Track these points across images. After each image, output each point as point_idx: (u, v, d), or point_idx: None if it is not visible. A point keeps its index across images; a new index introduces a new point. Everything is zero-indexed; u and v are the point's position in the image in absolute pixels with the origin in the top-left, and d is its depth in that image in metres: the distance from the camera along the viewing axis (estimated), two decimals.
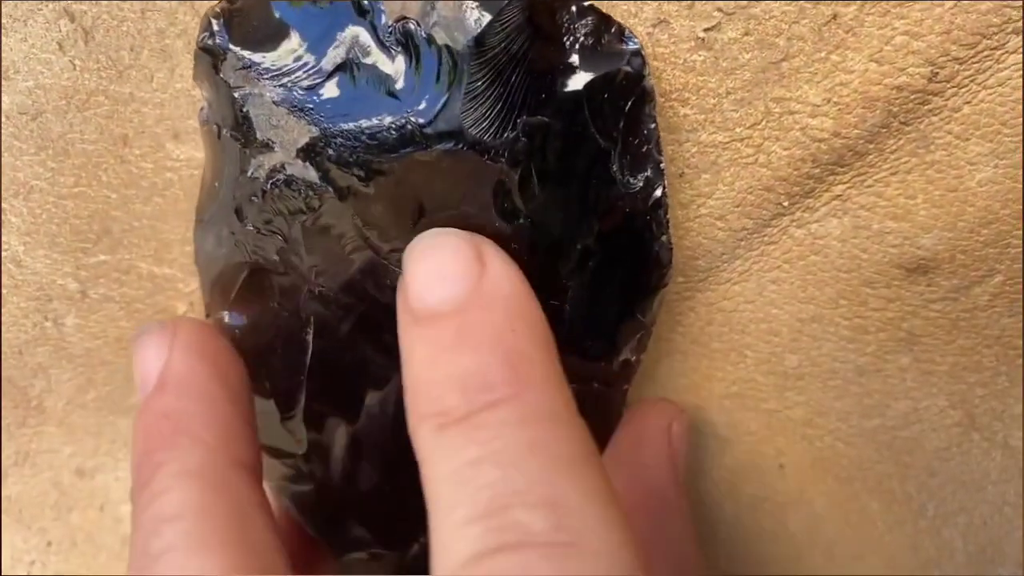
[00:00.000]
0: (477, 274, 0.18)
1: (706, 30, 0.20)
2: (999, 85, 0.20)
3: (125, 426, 0.28)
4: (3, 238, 0.24)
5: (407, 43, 0.19)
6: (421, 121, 0.19)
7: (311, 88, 0.19)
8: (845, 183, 0.23)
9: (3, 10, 0.21)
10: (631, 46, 0.19)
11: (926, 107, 0.21)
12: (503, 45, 0.19)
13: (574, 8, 0.19)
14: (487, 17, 0.18)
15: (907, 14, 0.20)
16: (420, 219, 0.20)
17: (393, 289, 0.20)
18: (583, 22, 0.19)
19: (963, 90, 0.21)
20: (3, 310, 0.25)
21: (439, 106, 0.18)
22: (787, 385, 0.25)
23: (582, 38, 0.19)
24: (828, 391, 0.25)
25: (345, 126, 0.19)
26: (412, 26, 0.19)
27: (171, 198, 0.23)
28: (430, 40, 0.19)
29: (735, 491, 0.26)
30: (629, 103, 0.20)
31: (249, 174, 0.20)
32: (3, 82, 0.22)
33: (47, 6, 0.21)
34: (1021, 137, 0.21)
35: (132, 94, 0.22)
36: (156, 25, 0.21)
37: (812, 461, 0.26)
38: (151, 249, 0.24)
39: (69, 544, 0.30)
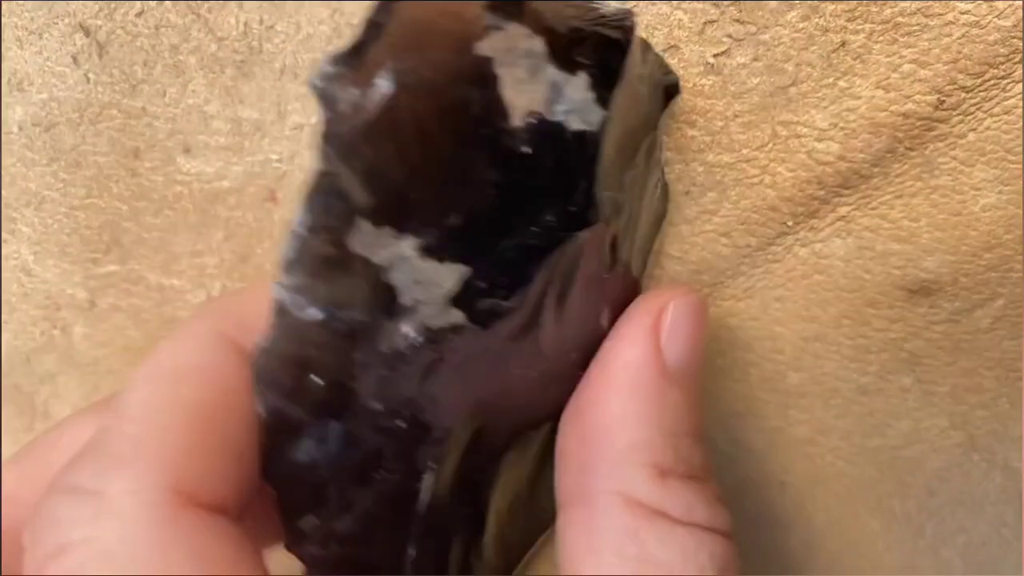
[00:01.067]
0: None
1: (716, 55, 0.20)
2: (1005, 113, 0.20)
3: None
4: (14, 247, 0.25)
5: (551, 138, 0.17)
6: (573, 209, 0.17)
7: (447, 224, 0.16)
8: (850, 205, 0.23)
9: (19, 23, 0.21)
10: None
11: (932, 133, 0.21)
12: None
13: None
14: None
15: (915, 43, 0.20)
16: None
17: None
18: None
19: (969, 117, 0.21)
20: (12, 318, 0.26)
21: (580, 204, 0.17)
22: (790, 403, 0.26)
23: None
24: (830, 410, 0.25)
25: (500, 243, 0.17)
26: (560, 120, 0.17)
27: (181, 211, 0.24)
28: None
29: (737, 507, 0.26)
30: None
31: (399, 347, 0.17)
32: (17, 94, 0.22)
33: (63, 20, 0.21)
34: None
35: (144, 108, 0.22)
36: (169, 41, 0.21)
37: (813, 479, 0.26)
38: (160, 261, 0.24)
39: None
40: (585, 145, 0.17)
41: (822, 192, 0.22)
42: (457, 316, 0.17)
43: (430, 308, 0.17)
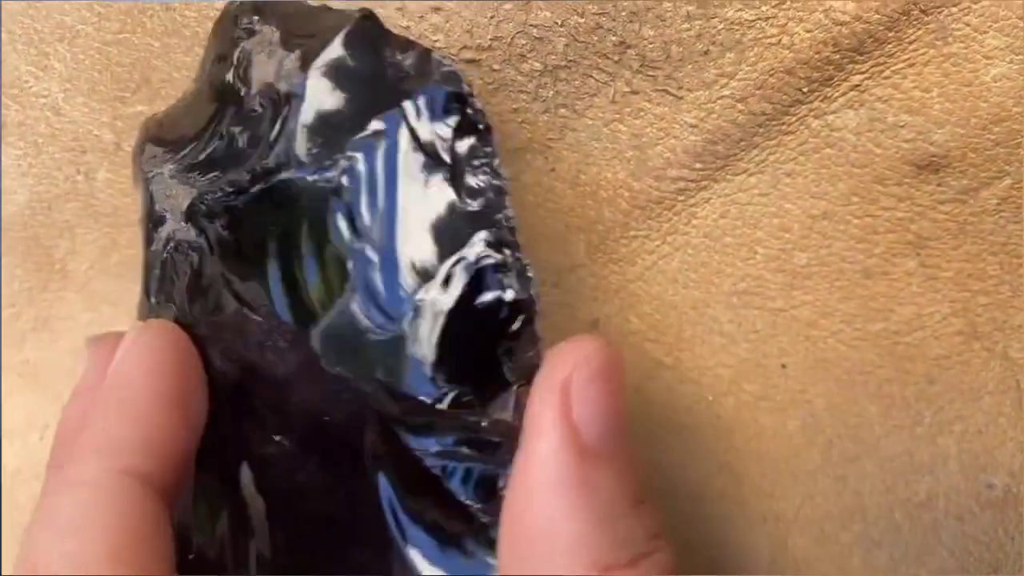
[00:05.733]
0: None
1: None
2: None
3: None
4: (45, 84, 0.25)
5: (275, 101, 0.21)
6: (266, 162, 0.21)
7: (197, 156, 0.22)
8: (863, 73, 0.23)
9: None
10: (446, 67, 0.20)
11: None
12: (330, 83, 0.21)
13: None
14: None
15: None
16: (266, 258, 0.21)
17: (263, 347, 0.21)
18: (407, 55, 0.21)
19: None
20: (38, 161, 0.26)
21: (273, 139, 0.21)
22: (795, 284, 0.26)
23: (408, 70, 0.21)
24: (835, 292, 0.26)
25: (215, 180, 0.21)
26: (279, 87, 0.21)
27: None
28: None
29: (736, 387, 0.27)
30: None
31: (152, 248, 0.22)
32: None
33: None
34: None
35: None
36: None
37: (814, 362, 0.26)
38: None
39: None
40: (290, 100, 0.21)
41: (837, 56, 0.23)
42: (190, 232, 0.22)
43: (174, 220, 0.22)
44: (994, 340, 0.26)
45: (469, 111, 0.20)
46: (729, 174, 0.25)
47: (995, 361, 0.26)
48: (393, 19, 0.23)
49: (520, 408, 0.19)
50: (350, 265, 0.20)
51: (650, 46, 0.23)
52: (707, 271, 0.26)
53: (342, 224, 0.20)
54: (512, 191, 0.25)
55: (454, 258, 0.20)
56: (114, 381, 0.20)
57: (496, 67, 0.24)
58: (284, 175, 0.20)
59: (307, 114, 0.20)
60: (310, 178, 0.20)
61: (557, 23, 0.23)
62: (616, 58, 0.23)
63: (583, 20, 0.23)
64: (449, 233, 0.20)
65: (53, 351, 0.30)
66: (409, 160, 0.20)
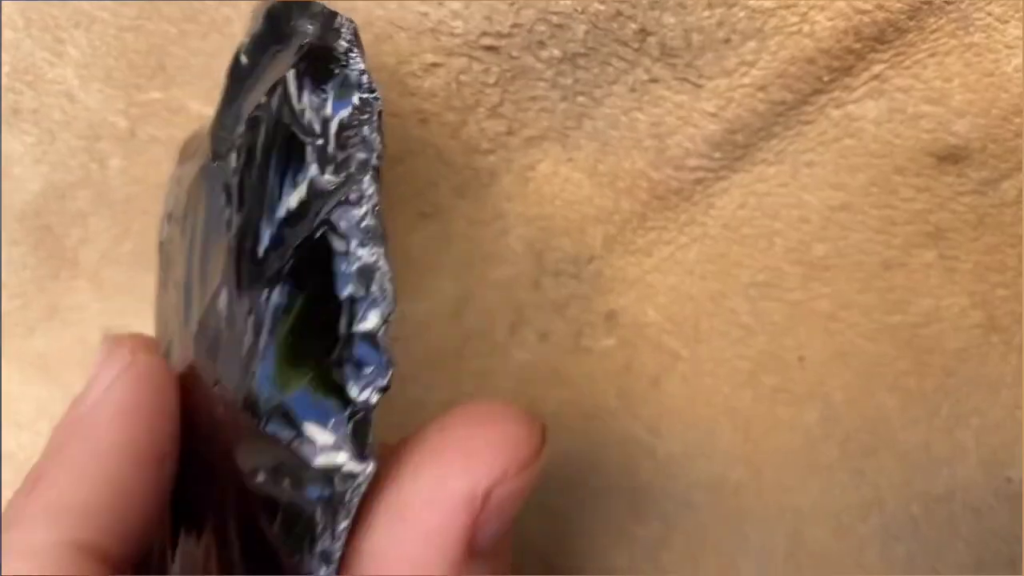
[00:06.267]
0: None
1: None
2: None
3: (155, 282, 0.28)
4: (60, 71, 0.25)
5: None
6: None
7: None
8: (884, 62, 0.23)
9: None
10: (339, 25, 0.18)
11: None
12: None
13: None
14: None
15: None
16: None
17: None
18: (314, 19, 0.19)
19: None
20: (52, 148, 0.26)
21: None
22: (813, 275, 0.26)
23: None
24: (853, 283, 0.26)
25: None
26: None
27: (228, 35, 0.24)
28: None
29: (754, 380, 0.27)
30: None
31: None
32: None
33: None
34: None
35: None
36: None
37: (832, 354, 0.26)
38: (203, 88, 0.25)
39: None
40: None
41: (858, 45, 0.23)
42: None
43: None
44: (1013, 333, 0.26)
45: (348, 73, 0.18)
46: (748, 164, 0.25)
47: (1013, 354, 0.26)
48: (412, 5, 0.22)
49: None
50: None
51: (670, 34, 0.23)
52: (725, 262, 0.26)
53: (225, 212, 0.19)
54: (528, 180, 0.25)
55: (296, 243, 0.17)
56: (81, 428, 0.18)
57: (515, 54, 0.23)
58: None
59: (224, 94, 0.20)
60: (214, 164, 0.20)
61: (577, 10, 0.23)
62: (636, 46, 0.23)
63: (603, 7, 0.23)
64: (300, 215, 0.18)
65: (63, 340, 0.29)
66: (278, 135, 0.18)
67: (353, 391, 0.17)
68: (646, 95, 0.24)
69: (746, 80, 0.24)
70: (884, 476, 0.26)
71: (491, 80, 0.24)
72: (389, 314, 0.17)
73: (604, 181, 0.26)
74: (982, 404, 0.26)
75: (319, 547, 0.16)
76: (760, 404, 0.27)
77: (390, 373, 0.17)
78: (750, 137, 0.24)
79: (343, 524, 0.16)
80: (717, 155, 0.25)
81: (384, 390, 0.17)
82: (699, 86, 0.24)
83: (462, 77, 0.24)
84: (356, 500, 0.16)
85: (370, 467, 0.16)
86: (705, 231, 0.26)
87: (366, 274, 0.17)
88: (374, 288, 0.17)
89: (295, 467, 0.17)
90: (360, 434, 0.16)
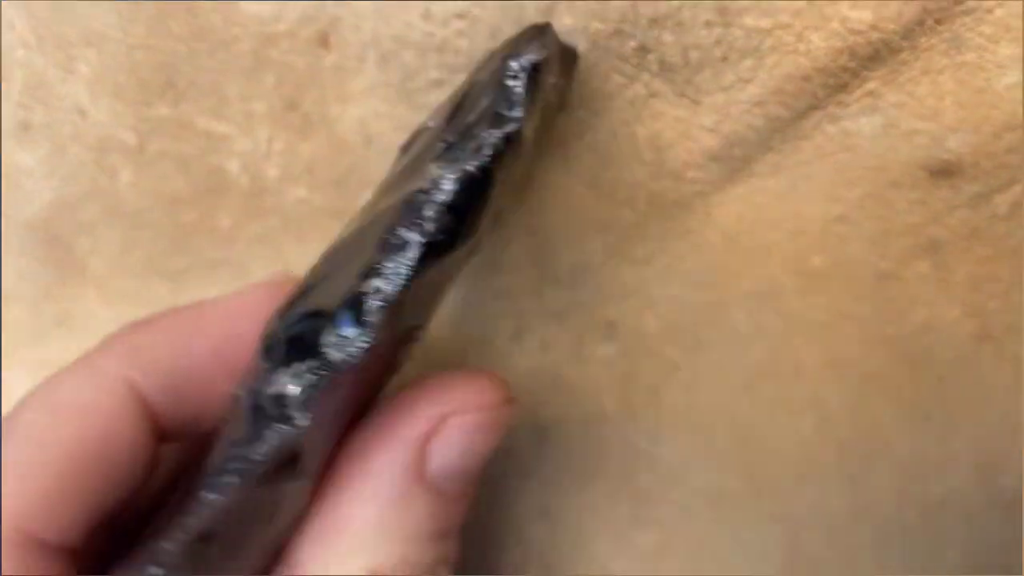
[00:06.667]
0: None
1: None
2: None
3: (165, 291, 0.29)
4: (71, 87, 0.25)
5: None
6: None
7: None
8: (878, 79, 0.24)
9: None
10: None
11: (960, 7, 0.22)
12: None
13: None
14: None
15: None
16: None
17: None
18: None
19: None
20: (63, 162, 0.27)
21: None
22: (810, 286, 0.26)
23: None
24: (849, 294, 0.26)
25: None
26: None
27: (235, 53, 0.25)
28: None
29: (752, 389, 0.27)
30: None
31: None
32: None
33: None
34: None
35: None
36: None
37: (829, 364, 0.27)
38: (210, 104, 0.25)
39: None
40: None
41: (853, 64, 0.23)
42: None
43: None
44: (1005, 343, 0.26)
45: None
46: (746, 176, 0.25)
47: (1007, 364, 0.26)
48: (418, 24, 0.23)
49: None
50: None
51: (669, 51, 0.23)
52: (724, 273, 0.27)
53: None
54: (530, 190, 0.25)
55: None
56: (32, 425, 0.19)
57: None
58: None
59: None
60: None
61: (578, 28, 0.23)
62: (635, 62, 0.24)
63: (603, 26, 0.23)
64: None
65: (71, 348, 0.30)
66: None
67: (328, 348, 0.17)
68: (645, 109, 0.25)
69: (743, 96, 0.24)
70: (879, 483, 0.27)
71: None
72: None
73: (604, 192, 0.26)
74: (975, 413, 0.27)
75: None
76: (758, 412, 0.27)
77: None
78: (748, 151, 0.25)
79: None
80: (715, 168, 0.25)
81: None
82: (697, 101, 0.24)
83: None
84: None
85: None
86: (704, 241, 0.27)
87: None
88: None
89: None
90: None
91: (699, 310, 0.27)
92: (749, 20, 0.23)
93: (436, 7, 0.23)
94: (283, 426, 0.17)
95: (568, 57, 0.23)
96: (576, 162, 0.26)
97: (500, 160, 0.18)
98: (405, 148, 0.22)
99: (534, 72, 0.18)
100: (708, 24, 0.23)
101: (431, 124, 0.20)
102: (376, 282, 0.17)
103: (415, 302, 0.18)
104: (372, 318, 0.17)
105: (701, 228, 0.26)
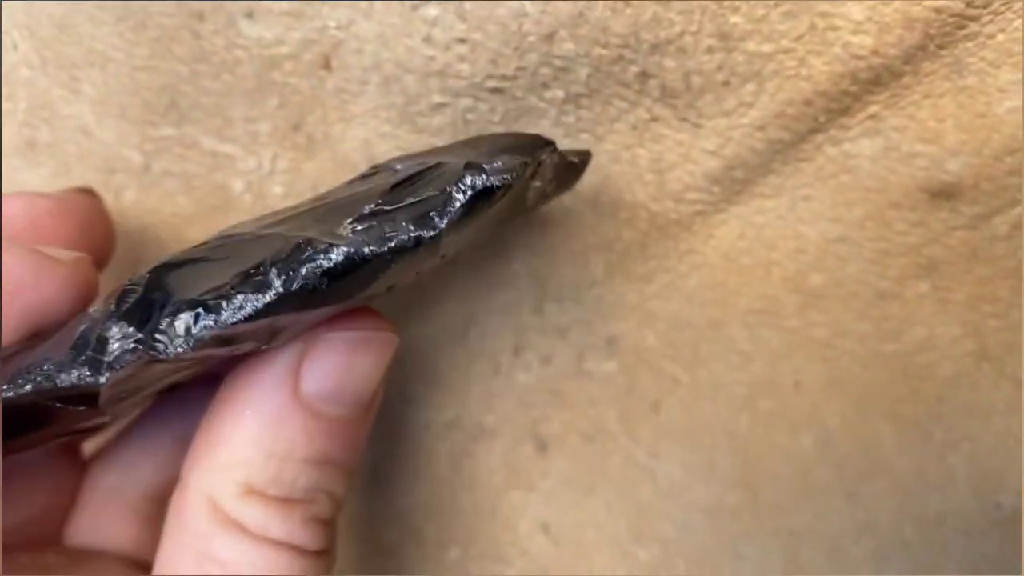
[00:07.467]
0: None
1: None
2: None
3: None
4: (76, 108, 0.26)
5: None
6: None
7: None
8: (880, 103, 0.24)
9: None
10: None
11: (962, 32, 0.22)
12: None
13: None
14: None
15: None
16: None
17: None
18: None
19: (999, 17, 0.22)
20: (68, 180, 0.27)
21: None
22: (810, 304, 0.27)
23: None
24: (849, 312, 0.26)
25: None
26: None
27: (238, 76, 0.25)
28: None
29: (751, 405, 0.27)
30: None
31: None
32: None
33: None
34: None
35: None
36: None
37: (828, 381, 0.27)
38: (215, 125, 0.25)
39: None
40: None
41: (855, 88, 0.23)
42: None
43: None
44: (1004, 362, 0.26)
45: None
46: (747, 197, 0.26)
47: (1005, 382, 0.26)
48: (419, 49, 0.23)
49: None
50: None
51: (671, 76, 0.24)
52: (724, 291, 0.27)
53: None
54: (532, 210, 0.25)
55: None
56: None
57: (519, 95, 0.24)
58: None
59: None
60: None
61: (580, 54, 0.23)
62: (637, 87, 0.24)
63: (606, 52, 0.23)
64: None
65: None
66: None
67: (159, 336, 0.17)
68: (647, 133, 0.25)
69: (744, 120, 0.24)
70: (877, 499, 0.27)
71: (496, 119, 0.25)
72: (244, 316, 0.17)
73: (606, 211, 0.26)
74: (973, 430, 0.27)
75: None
76: (757, 428, 0.28)
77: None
78: (749, 173, 0.25)
79: None
80: (716, 189, 0.25)
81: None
82: (699, 125, 0.24)
83: (468, 116, 0.25)
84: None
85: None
86: (704, 260, 0.27)
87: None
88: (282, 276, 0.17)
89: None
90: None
91: (699, 327, 0.27)
92: (751, 45, 0.23)
93: (437, 32, 0.23)
94: (86, 372, 0.17)
95: (573, 168, 0.23)
96: (578, 183, 0.26)
97: (400, 255, 0.18)
98: (372, 171, 0.22)
99: (482, 194, 0.18)
100: (710, 50, 0.23)
101: (399, 167, 0.20)
102: (223, 303, 0.17)
103: (257, 329, 0.18)
104: (201, 333, 0.17)
105: (702, 247, 0.26)
